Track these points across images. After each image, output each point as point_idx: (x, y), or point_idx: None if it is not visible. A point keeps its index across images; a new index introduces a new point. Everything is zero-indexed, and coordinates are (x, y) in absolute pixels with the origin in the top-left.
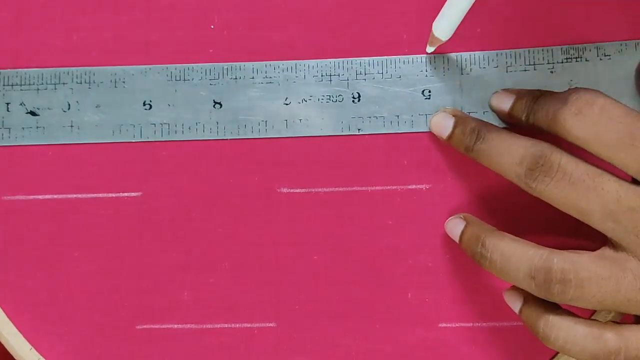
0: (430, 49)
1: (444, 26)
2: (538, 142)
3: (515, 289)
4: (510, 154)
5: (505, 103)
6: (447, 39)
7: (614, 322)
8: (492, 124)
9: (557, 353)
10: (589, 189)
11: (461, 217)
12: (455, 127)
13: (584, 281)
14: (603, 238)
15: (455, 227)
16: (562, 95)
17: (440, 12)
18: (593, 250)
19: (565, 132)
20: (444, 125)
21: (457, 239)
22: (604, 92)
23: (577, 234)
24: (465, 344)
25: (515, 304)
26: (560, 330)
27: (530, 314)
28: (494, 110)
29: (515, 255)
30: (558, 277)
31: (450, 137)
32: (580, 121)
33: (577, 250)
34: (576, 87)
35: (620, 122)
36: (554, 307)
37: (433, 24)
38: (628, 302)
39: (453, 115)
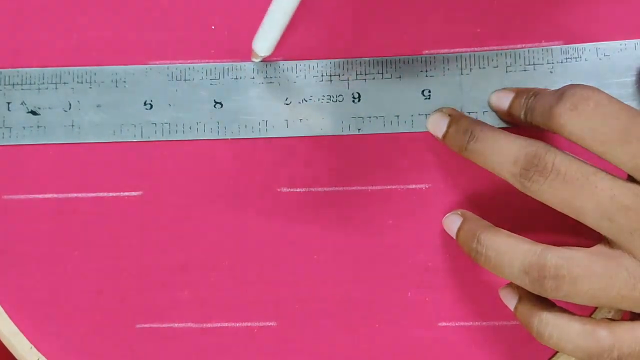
0: (255, 60)
1: (263, 44)
2: (533, 141)
3: (510, 286)
4: (504, 154)
5: (504, 101)
6: (268, 54)
7: (609, 319)
8: (486, 124)
9: (557, 352)
10: (582, 187)
11: (458, 214)
12: (449, 126)
13: (577, 277)
14: (599, 235)
15: (452, 223)
16: (558, 92)
17: (260, 29)
18: (589, 247)
19: (560, 128)
20: (439, 125)
21: (454, 235)
22: (600, 89)
23: (575, 232)
24: (465, 343)
25: (510, 301)
26: (554, 327)
27: (524, 312)
28: (493, 110)
29: (510, 251)
30: (552, 273)
31: (444, 136)
32: (575, 117)
33: (572, 247)
34: (573, 84)
35: (615, 118)
36: (548, 305)
37: (253, 41)
38: (622, 299)
39: (449, 115)
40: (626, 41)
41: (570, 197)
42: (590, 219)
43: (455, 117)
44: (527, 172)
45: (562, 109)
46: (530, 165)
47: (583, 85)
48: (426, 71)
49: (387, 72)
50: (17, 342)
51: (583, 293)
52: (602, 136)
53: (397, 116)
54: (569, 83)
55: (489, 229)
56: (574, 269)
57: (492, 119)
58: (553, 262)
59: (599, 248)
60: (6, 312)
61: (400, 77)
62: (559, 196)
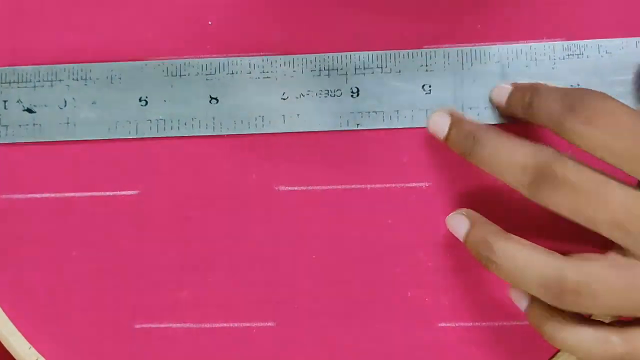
0: None
1: None
2: (541, 148)
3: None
4: (512, 162)
5: (504, 96)
6: None
7: (620, 322)
8: (490, 127)
9: (557, 352)
10: (594, 197)
11: (464, 214)
12: (450, 128)
13: (597, 292)
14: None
15: (458, 225)
16: (567, 98)
17: None
18: (594, 244)
19: (572, 139)
20: (440, 125)
21: (459, 237)
22: (612, 98)
23: (580, 231)
24: (465, 343)
25: (521, 302)
26: (567, 332)
27: (536, 315)
28: (494, 105)
29: (526, 263)
30: (571, 289)
31: (446, 138)
32: (588, 130)
33: (587, 255)
34: (581, 89)
35: (630, 132)
36: (560, 309)
37: None
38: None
39: (449, 115)
40: (627, 38)
41: (581, 207)
42: (603, 229)
43: (457, 119)
44: (536, 181)
45: (575, 122)
46: (539, 174)
47: (595, 94)
48: (426, 66)
49: (386, 67)
50: (16, 342)
51: (602, 306)
52: (616, 150)
53: (397, 111)
54: (572, 82)
55: (502, 236)
56: (593, 285)
57: (493, 115)
58: (573, 278)
59: (614, 257)
60: (4, 311)
61: (400, 72)
62: (570, 206)
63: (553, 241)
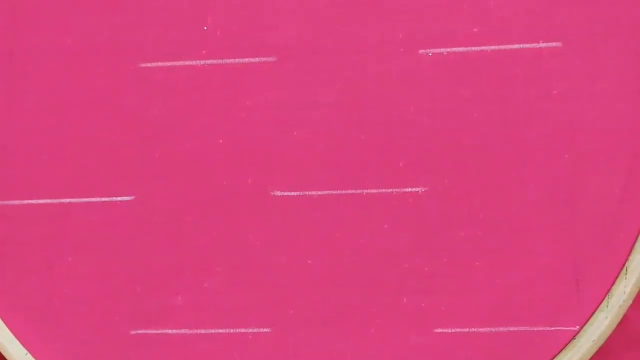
0: None
1: None
2: None
3: None
4: None
5: None
6: None
7: None
8: None
9: (553, 358)
10: None
11: None
12: None
13: None
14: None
15: None
16: None
17: None
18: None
19: None
20: None
21: None
22: None
23: (577, 233)
24: (461, 349)
25: None
26: None
27: None
28: None
29: None
30: None
31: None
32: None
33: None
34: None
35: None
36: None
37: None
38: None
39: None
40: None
41: None
42: None
43: None
44: None
45: None
46: None
47: None
48: None
49: None
50: (12, 349)
51: None
52: None
53: None
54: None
55: None
56: None
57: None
58: None
59: None
60: (1, 318)
61: None
62: None
63: (549, 243)
